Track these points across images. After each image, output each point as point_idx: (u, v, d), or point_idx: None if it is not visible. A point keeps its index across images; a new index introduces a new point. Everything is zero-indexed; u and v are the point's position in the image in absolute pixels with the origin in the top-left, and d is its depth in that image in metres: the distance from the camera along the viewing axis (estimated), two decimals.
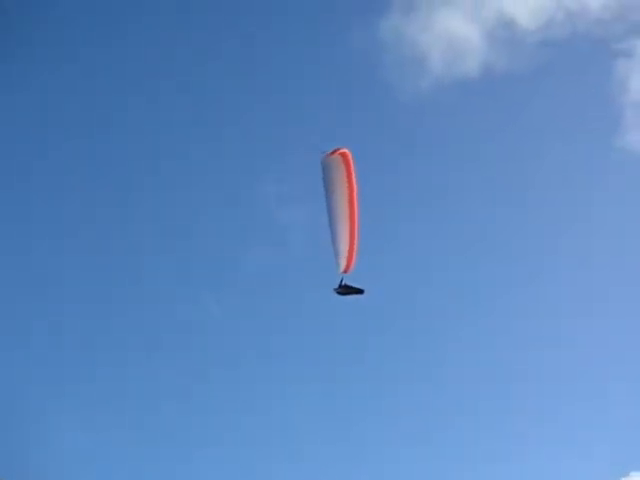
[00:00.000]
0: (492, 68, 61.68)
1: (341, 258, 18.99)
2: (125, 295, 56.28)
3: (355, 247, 19.00)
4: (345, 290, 19.67)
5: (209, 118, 58.12)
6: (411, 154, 64.37)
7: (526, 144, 67.95)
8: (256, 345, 58.35)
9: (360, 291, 19.75)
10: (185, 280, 59.01)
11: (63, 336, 46.02)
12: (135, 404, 47.10)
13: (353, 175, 18.96)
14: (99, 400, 42.16)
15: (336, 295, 19.77)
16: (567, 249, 66.49)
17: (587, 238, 67.71)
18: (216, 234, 61.14)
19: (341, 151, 18.77)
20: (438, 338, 52.15)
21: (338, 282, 19.46)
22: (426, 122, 62.78)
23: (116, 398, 45.79)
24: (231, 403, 48.04)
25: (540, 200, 67.40)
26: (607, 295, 62.47)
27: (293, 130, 62.48)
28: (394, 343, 53.03)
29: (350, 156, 18.82)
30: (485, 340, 56.95)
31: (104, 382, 49.15)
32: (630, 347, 56.30)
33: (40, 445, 37.79)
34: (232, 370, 54.02)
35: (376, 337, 52.98)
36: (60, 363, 44.04)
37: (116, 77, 51.24)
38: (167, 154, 58.44)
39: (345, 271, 19.14)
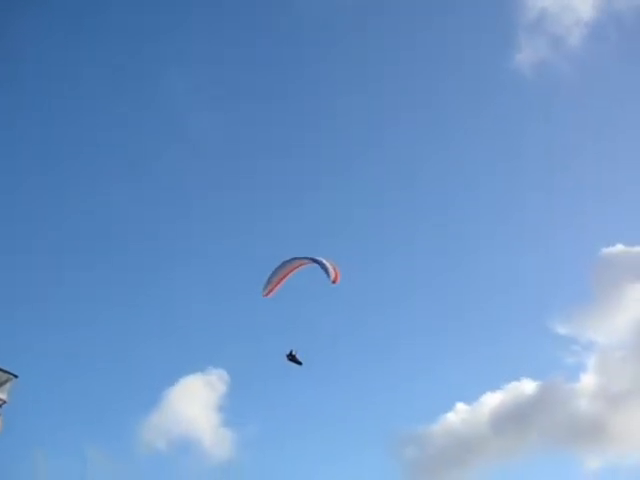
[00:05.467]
0: None
1: (270, 285, 25.77)
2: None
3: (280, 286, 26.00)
4: (292, 359, 26.28)
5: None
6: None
7: (420, 61, 68.80)
8: (163, 238, 61.56)
9: (300, 363, 26.44)
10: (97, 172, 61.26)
11: None
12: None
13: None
14: None
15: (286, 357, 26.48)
16: (456, 164, 68.92)
17: (471, 157, 69.92)
18: (128, 133, 62.53)
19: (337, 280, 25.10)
20: None
21: (290, 352, 26.28)
22: None
23: None
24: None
25: (428, 117, 69.07)
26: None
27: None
28: None
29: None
30: None
31: None
32: None
33: None
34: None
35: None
36: None
37: None
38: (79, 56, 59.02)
39: (267, 295, 26.00)
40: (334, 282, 24.88)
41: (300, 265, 25.64)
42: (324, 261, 25.26)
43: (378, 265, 67.50)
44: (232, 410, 56.54)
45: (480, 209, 71.95)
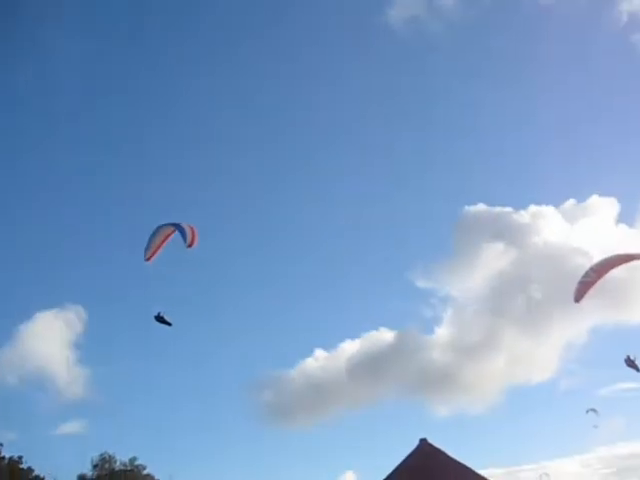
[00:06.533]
0: None
1: (150, 251, 26.43)
2: None
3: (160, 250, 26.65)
4: (161, 320, 27.05)
5: None
6: None
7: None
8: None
9: (169, 324, 27.25)
10: None
11: None
12: None
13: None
14: None
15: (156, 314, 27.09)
16: (329, 111, 70.80)
17: (346, 104, 70.87)
18: None
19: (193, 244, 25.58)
20: None
21: (158, 313, 26.99)
22: None
23: None
24: None
25: (299, 69, 70.06)
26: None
27: None
28: None
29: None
30: None
31: None
32: None
33: None
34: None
35: None
36: None
37: None
38: None
39: (148, 259, 26.52)
40: (190, 246, 25.48)
41: (172, 232, 26.45)
42: (184, 226, 25.97)
43: (239, 209, 67.79)
44: (88, 348, 55.79)
45: (350, 157, 72.69)
